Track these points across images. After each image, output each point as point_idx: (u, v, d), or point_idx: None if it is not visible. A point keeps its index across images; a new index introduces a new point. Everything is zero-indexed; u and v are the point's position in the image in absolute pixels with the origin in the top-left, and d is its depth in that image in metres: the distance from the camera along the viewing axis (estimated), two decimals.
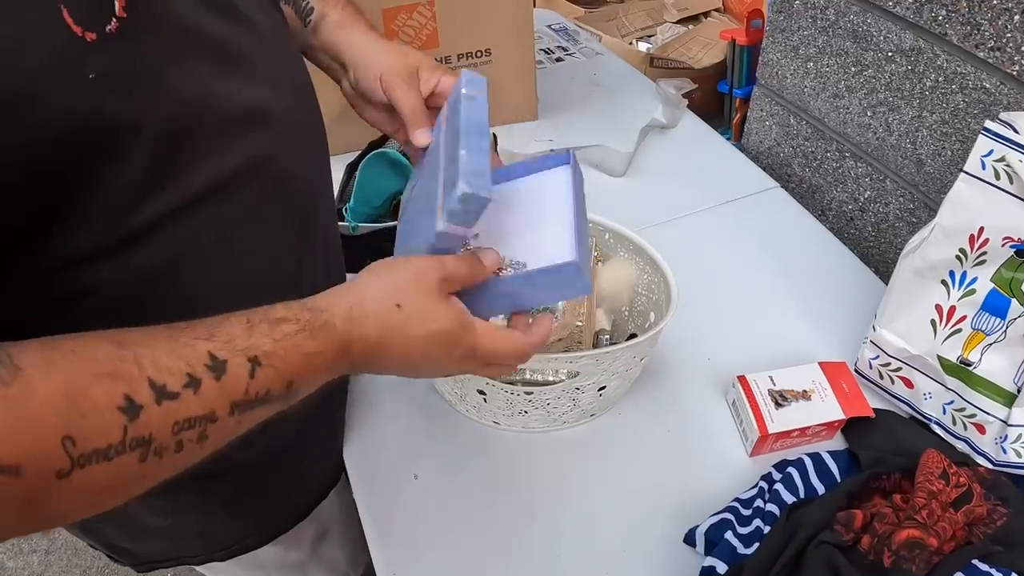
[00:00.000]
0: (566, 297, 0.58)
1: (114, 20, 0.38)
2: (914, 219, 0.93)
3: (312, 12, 0.65)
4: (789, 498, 0.65)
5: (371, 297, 0.46)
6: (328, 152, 0.66)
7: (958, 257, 0.67)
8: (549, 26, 1.57)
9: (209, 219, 0.48)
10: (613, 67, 1.43)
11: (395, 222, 0.85)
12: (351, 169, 0.91)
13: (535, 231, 0.55)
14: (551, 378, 0.71)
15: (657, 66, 2.08)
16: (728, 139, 1.25)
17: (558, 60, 1.45)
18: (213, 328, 0.40)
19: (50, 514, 0.35)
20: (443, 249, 0.50)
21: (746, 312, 0.89)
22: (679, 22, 2.23)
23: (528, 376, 0.71)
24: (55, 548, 1.77)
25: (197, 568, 0.78)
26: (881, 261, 1.00)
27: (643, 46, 2.14)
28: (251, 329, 0.41)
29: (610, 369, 0.66)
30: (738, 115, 2.00)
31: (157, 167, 0.43)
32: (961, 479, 0.63)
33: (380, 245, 0.80)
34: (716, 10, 2.28)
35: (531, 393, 0.68)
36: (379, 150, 0.89)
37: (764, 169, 1.13)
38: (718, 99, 2.15)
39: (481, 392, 0.69)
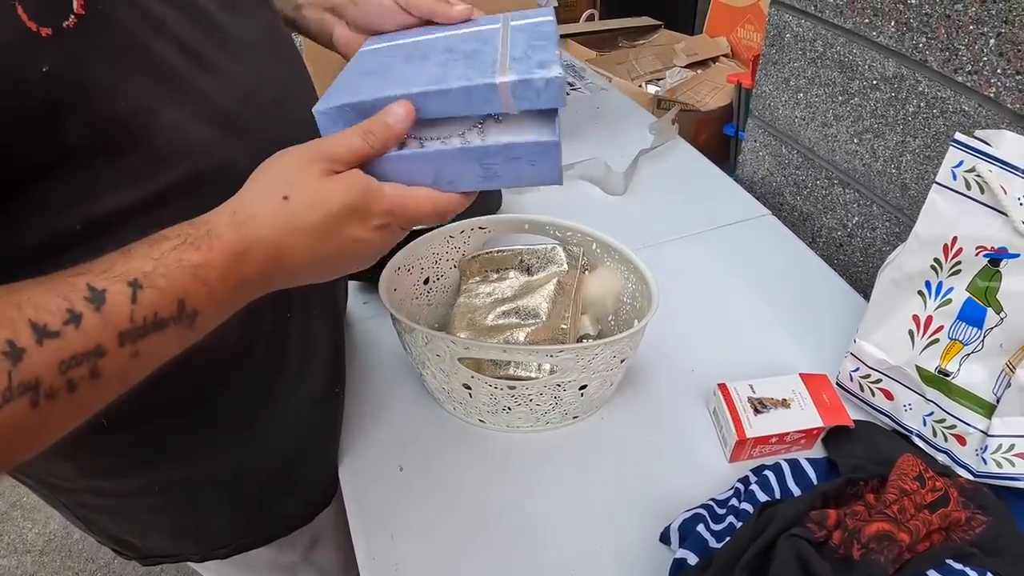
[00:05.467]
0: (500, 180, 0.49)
1: (72, 16, 0.39)
2: (900, 242, 0.94)
3: None
4: (764, 498, 0.66)
5: (254, 197, 0.43)
6: None
7: (933, 267, 0.69)
8: None
9: (173, 219, 0.45)
10: (615, 101, 1.48)
11: None
12: None
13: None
14: (533, 374, 0.72)
15: (665, 108, 2.13)
16: (734, 179, 1.29)
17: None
18: (92, 264, 0.38)
19: None
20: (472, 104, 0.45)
21: (732, 328, 0.90)
22: (688, 66, 2.30)
23: (511, 371, 0.73)
24: (49, 549, 1.77)
25: (193, 566, 0.79)
26: (869, 285, 1.00)
27: (652, 88, 2.20)
28: (128, 254, 0.39)
29: (590, 367, 0.68)
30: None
31: (111, 163, 0.43)
32: (937, 483, 0.64)
33: None
34: (724, 55, 2.34)
35: (514, 388, 0.70)
36: None
37: (758, 198, 1.16)
38: (724, 141, 2.20)
39: (467, 386, 0.71)
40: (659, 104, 2.13)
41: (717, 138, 2.17)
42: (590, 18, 2.82)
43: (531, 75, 0.44)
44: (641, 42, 2.51)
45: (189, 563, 0.76)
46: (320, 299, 0.70)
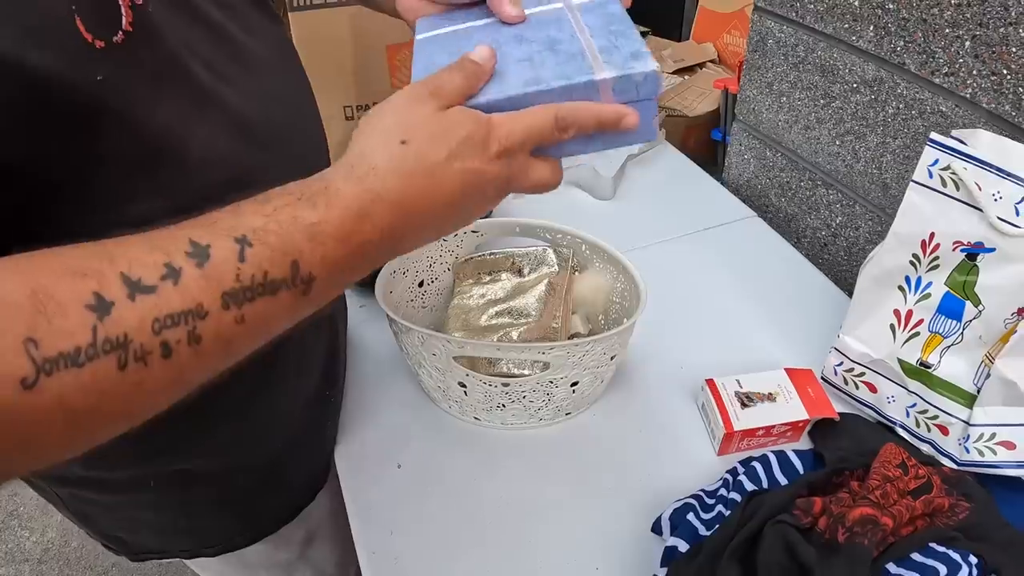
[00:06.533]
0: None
1: (120, 32, 0.41)
2: (883, 240, 0.97)
3: None
4: (752, 488, 0.67)
5: (370, 147, 0.41)
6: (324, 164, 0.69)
7: (912, 263, 0.71)
8: None
9: None
10: None
11: None
12: None
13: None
14: (526, 372, 0.74)
15: None
16: (721, 184, 1.31)
17: None
18: (195, 219, 0.36)
19: (27, 437, 0.30)
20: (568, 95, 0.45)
21: (719, 326, 0.92)
22: (675, 72, 2.32)
23: (505, 370, 0.75)
24: (47, 557, 1.77)
25: (188, 563, 0.80)
26: (853, 283, 1.03)
27: None
28: (238, 209, 0.37)
29: (581, 364, 0.70)
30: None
31: (144, 172, 0.45)
32: (920, 471, 0.66)
33: None
34: (711, 61, 2.37)
35: (508, 385, 0.71)
36: None
37: (744, 200, 1.18)
38: (712, 146, 2.22)
39: (462, 384, 0.73)
40: None
41: (705, 143, 2.19)
42: None
43: (630, 70, 0.44)
44: None
45: (182, 560, 0.78)
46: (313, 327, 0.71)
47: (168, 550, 0.76)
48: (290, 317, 0.38)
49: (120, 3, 0.41)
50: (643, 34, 2.60)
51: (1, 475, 0.31)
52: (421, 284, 0.85)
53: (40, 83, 0.37)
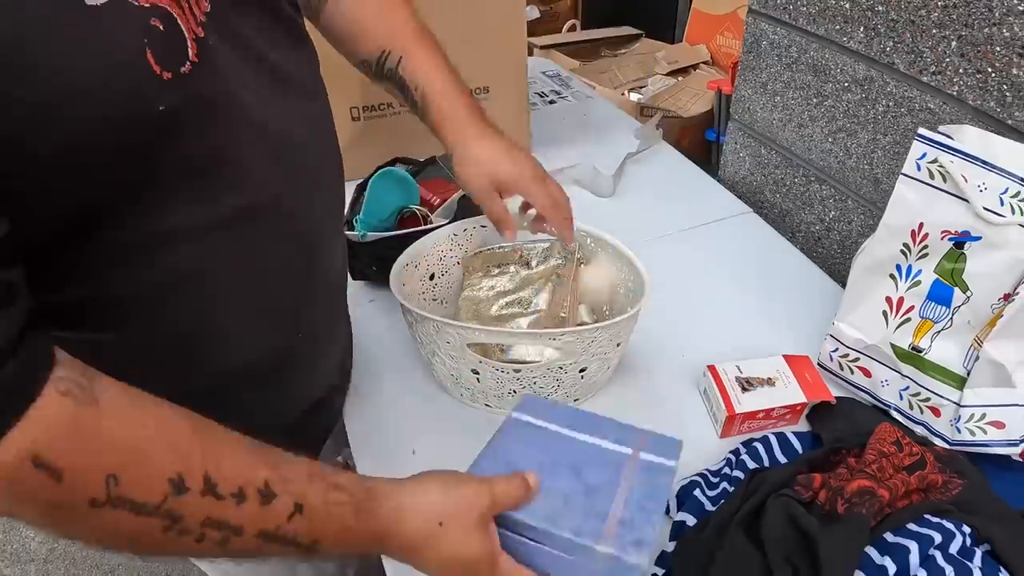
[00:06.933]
0: None
1: (188, 64, 0.44)
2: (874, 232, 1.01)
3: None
4: (754, 467, 0.71)
5: (422, 507, 0.52)
6: (343, 196, 0.70)
7: (903, 252, 0.75)
8: (544, 72, 1.69)
9: (226, 243, 0.52)
10: (601, 109, 1.54)
11: (399, 231, 0.93)
12: (360, 188, 0.99)
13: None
14: (537, 358, 0.77)
15: (648, 115, 2.20)
16: (718, 181, 1.35)
17: (551, 102, 1.56)
18: (279, 462, 0.46)
19: (68, 527, 0.40)
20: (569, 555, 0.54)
21: (718, 317, 0.96)
22: (669, 74, 2.37)
23: (514, 355, 0.78)
24: (53, 557, 1.78)
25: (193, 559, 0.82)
26: (847, 275, 1.07)
27: (635, 96, 2.27)
28: (311, 479, 0.47)
29: (590, 350, 0.73)
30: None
31: (188, 187, 0.48)
32: (914, 449, 0.69)
33: (385, 252, 0.88)
34: (704, 63, 2.42)
35: (519, 371, 0.74)
36: (386, 168, 0.98)
37: (739, 197, 1.22)
38: (706, 146, 2.27)
39: (475, 371, 0.76)
40: (642, 111, 2.20)
41: (699, 143, 2.24)
42: (572, 28, 2.89)
43: (624, 554, 0.52)
44: (623, 51, 2.58)
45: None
46: (326, 326, 0.73)
47: None
48: (286, 558, 0.48)
49: (186, 36, 0.44)
50: (635, 36, 2.65)
51: (27, 521, 0.40)
52: (432, 277, 0.88)
53: (112, 114, 0.40)
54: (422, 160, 1.09)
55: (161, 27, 0.41)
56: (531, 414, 0.65)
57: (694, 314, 0.96)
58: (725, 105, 2.07)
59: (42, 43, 0.36)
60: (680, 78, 2.36)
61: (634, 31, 2.65)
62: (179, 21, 0.43)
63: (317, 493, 0.47)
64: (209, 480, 0.41)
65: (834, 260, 1.10)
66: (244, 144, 0.51)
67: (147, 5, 0.41)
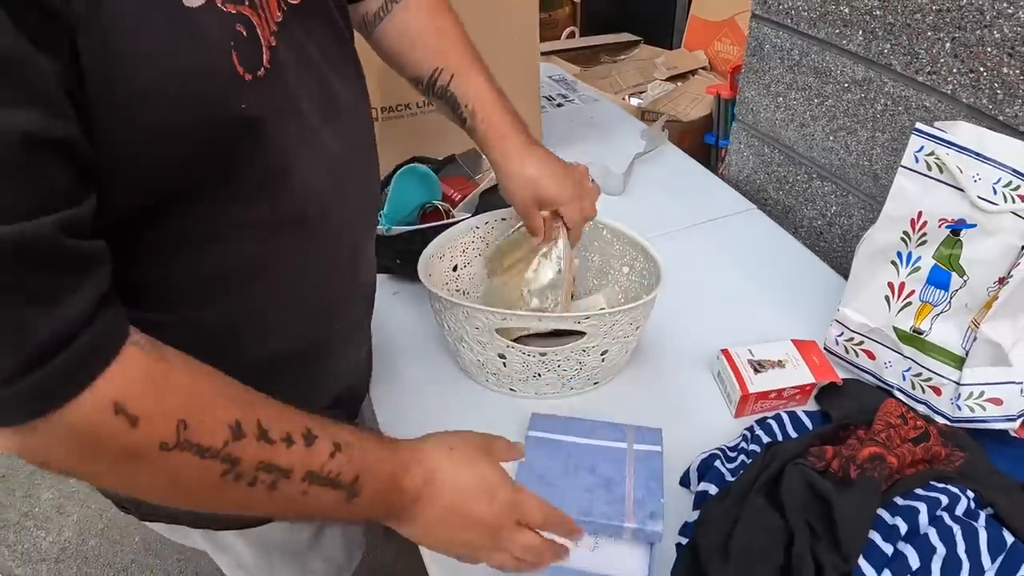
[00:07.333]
0: None
1: (263, 68, 0.47)
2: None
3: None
4: (769, 441, 0.75)
5: (432, 439, 0.60)
6: (379, 204, 0.74)
7: (903, 239, 0.79)
8: (550, 77, 1.75)
9: (264, 246, 0.55)
10: (608, 111, 1.59)
11: (422, 226, 0.97)
12: (383, 184, 1.04)
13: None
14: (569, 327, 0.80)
15: (650, 119, 2.25)
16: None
17: (559, 105, 1.62)
18: (310, 414, 0.51)
19: (133, 476, 0.44)
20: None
21: (727, 307, 1.01)
22: (668, 79, 2.42)
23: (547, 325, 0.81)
24: (65, 556, 1.79)
25: (210, 553, 0.84)
26: (849, 267, 1.12)
27: (635, 101, 2.32)
28: (339, 423, 0.52)
29: (611, 333, 0.78)
30: (724, 164, 2.16)
31: (242, 187, 0.51)
32: (919, 422, 0.74)
33: (409, 246, 0.92)
34: (703, 68, 2.47)
35: (544, 354, 0.79)
36: (409, 165, 1.03)
37: (744, 194, 1.27)
38: (705, 150, 2.31)
39: (501, 356, 0.80)
40: (644, 115, 2.25)
41: (699, 147, 2.28)
42: (571, 35, 2.95)
43: (644, 526, 0.66)
44: (622, 57, 2.63)
45: (189, 528, 0.78)
46: (359, 323, 0.77)
47: (176, 515, 0.76)
48: (329, 512, 0.52)
49: (263, 43, 0.48)
50: (634, 43, 2.71)
51: (95, 470, 0.44)
52: (455, 268, 0.92)
53: (201, 105, 0.44)
54: (440, 159, 1.14)
55: (244, 32, 0.46)
56: (542, 430, 0.77)
57: (704, 303, 1.00)
58: (724, 109, 2.12)
59: (147, 33, 0.40)
60: (679, 83, 2.41)
61: (633, 37, 2.70)
62: (257, 29, 0.47)
63: (350, 433, 0.52)
64: (261, 426, 0.46)
65: (836, 253, 1.15)
66: (302, 154, 0.54)
67: (233, 11, 0.45)
